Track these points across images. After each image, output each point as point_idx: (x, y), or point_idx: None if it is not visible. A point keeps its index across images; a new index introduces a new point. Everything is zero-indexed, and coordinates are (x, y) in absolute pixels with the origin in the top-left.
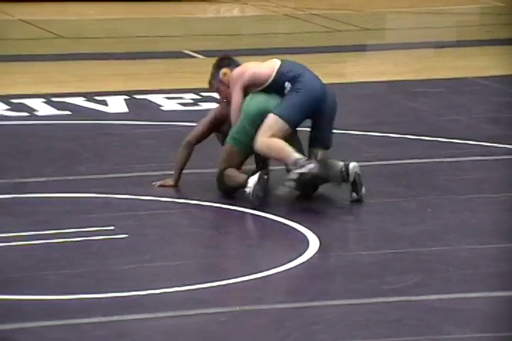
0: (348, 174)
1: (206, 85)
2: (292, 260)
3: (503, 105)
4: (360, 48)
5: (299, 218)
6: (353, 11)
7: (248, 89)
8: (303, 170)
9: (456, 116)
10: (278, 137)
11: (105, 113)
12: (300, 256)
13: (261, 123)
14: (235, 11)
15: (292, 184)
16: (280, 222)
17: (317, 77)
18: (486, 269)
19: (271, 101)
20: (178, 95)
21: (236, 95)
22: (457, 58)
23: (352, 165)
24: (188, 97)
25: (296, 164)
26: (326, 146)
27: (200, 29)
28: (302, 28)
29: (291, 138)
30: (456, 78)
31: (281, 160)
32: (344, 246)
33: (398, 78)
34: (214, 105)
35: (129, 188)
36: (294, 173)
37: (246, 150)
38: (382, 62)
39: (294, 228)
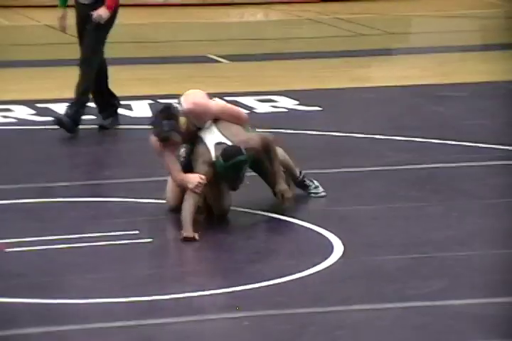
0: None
1: (230, 89)
2: (317, 264)
3: None
4: (385, 52)
5: (323, 222)
6: (378, 14)
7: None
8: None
9: (480, 121)
10: None
11: (130, 117)
12: (324, 260)
13: None
14: (259, 16)
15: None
16: (304, 227)
17: None
18: None
19: None
20: None
21: None
22: (481, 62)
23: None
24: None
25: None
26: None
27: (224, 34)
28: (326, 32)
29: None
30: (480, 82)
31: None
32: (369, 250)
33: (423, 82)
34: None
35: (154, 193)
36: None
37: None
38: (406, 66)
39: (318, 232)
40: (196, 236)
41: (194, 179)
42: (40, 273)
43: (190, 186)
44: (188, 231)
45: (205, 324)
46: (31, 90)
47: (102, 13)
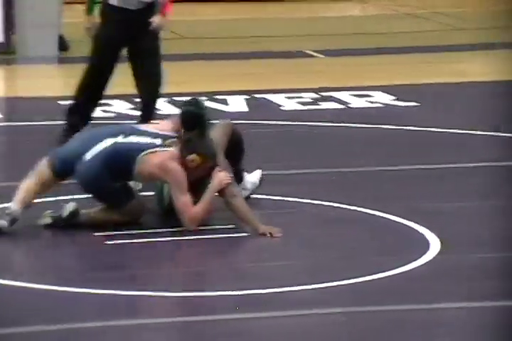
0: None
1: (326, 84)
2: (413, 261)
3: None
4: (484, 47)
5: (419, 219)
6: (476, 8)
7: None
8: None
9: None
10: None
11: (225, 112)
12: (421, 257)
13: None
14: (357, 11)
15: None
16: (400, 223)
17: None
18: None
19: None
20: (298, 94)
21: None
22: None
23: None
24: (308, 96)
25: None
26: None
27: (321, 29)
28: (424, 26)
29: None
30: None
31: None
32: (466, 248)
33: None
34: (333, 105)
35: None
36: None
37: None
38: (506, 60)
39: (414, 229)
40: (274, 231)
41: (220, 176)
42: (141, 265)
43: (224, 181)
44: (261, 228)
45: (301, 319)
46: (129, 84)
47: (160, 21)
